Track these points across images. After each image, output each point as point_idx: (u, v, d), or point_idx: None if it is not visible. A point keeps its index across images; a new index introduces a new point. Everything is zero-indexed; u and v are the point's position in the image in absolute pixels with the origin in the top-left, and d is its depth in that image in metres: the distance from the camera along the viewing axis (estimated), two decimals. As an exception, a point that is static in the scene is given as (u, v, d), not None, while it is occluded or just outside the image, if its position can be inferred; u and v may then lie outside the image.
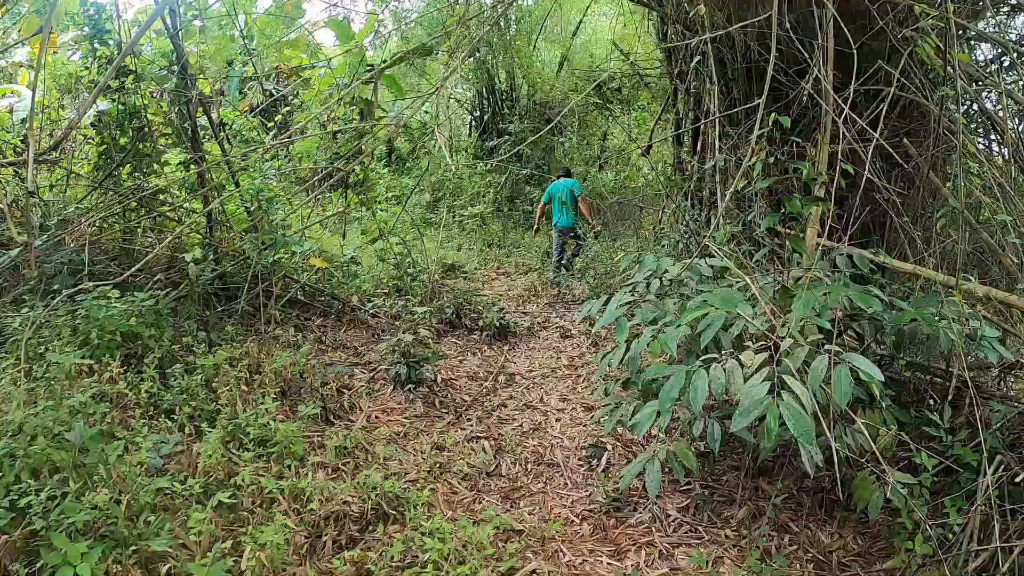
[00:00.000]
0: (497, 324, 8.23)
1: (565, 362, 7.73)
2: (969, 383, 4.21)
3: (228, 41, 13.67)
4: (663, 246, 9.44)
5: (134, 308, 5.77)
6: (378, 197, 9.59)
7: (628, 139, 18.91)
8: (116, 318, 5.62)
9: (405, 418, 5.86)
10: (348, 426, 5.58)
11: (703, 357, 3.97)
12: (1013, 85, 7.05)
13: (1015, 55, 7.12)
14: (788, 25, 5.36)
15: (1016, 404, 4.70)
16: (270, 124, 9.98)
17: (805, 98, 6.62)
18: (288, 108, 10.08)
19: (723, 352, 4.04)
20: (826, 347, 3.74)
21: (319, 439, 5.21)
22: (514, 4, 17.48)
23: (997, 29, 7.69)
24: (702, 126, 9.88)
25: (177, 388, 5.30)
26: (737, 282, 5.33)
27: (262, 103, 15.85)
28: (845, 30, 5.70)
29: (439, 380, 6.69)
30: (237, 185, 7.63)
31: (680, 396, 3.90)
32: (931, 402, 4.59)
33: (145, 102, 7.35)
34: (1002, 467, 3.86)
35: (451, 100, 19.58)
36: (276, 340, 6.74)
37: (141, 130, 7.19)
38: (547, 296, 10.23)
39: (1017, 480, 3.91)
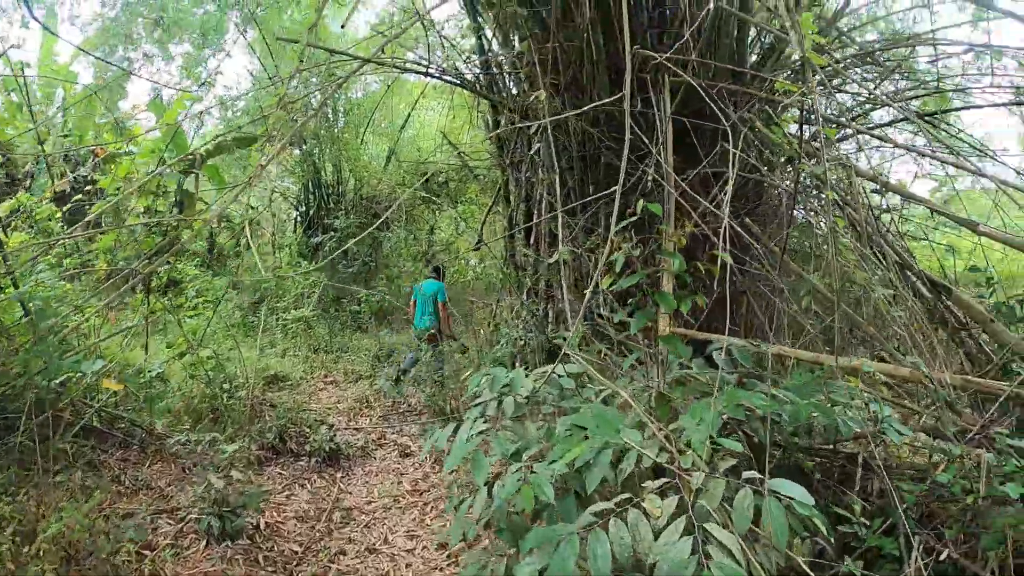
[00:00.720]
0: (327, 448, 7.24)
1: (408, 486, 6.86)
2: (880, 467, 3.87)
3: (14, 108, 12.15)
4: (503, 344, 8.85)
5: None
6: (186, 303, 8.47)
7: (456, 232, 18.62)
8: None
9: (221, 583, 4.80)
10: (148, 604, 4.46)
11: (593, 508, 3.27)
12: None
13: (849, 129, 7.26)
14: (627, 110, 5.01)
15: (912, 475, 4.35)
16: (57, 214, 8.58)
17: (649, 183, 6.34)
18: (79, 197, 8.73)
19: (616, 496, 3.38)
20: (746, 474, 3.16)
21: (109, 630, 4.08)
22: (343, 96, 16.91)
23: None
24: (535, 217, 9.58)
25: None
26: (601, 390, 4.78)
27: (69, 190, 14.27)
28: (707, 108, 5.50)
29: (262, 527, 5.66)
30: (16, 286, 6.35)
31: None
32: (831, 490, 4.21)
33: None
34: (921, 547, 3.52)
35: (275, 193, 18.54)
36: (59, 487, 5.50)
37: None
38: (380, 407, 9.32)
39: (941, 559, 3.57)
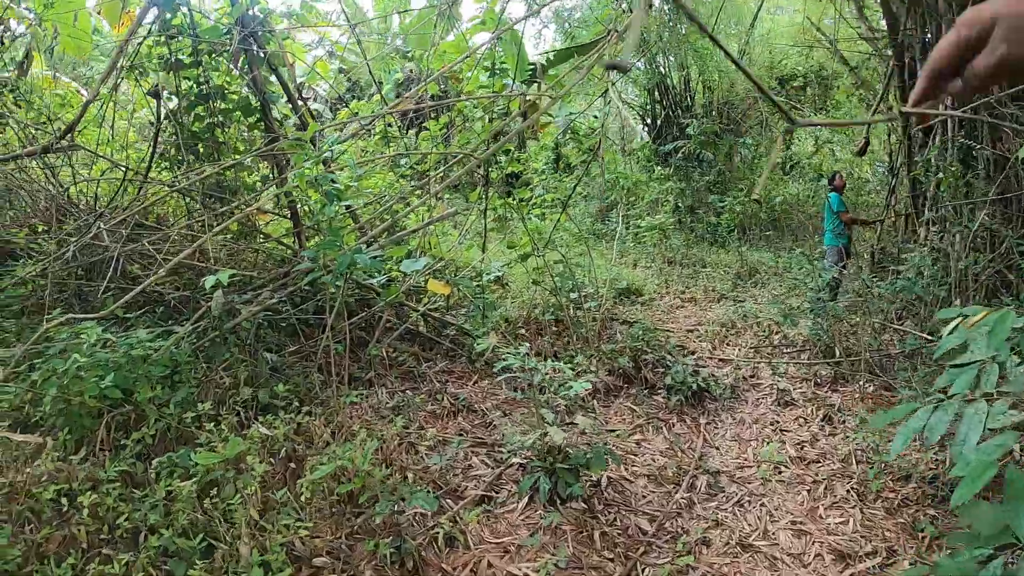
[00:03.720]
0: (694, 386, 5.33)
1: (791, 451, 4.78)
2: None
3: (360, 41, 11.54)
4: (906, 272, 6.35)
5: (136, 351, 3.45)
6: (532, 199, 6.94)
7: (816, 144, 15.69)
8: (95, 368, 3.32)
9: (536, 567, 3.13)
10: (435, 591, 2.94)
11: None
12: None
13: None
14: None
15: None
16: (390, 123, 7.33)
17: None
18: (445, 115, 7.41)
19: None
20: None
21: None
22: (687, -3, 14.49)
23: None
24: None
25: (150, 502, 2.90)
26: None
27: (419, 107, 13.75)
28: None
29: (603, 484, 3.94)
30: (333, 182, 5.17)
31: None
32: None
33: (225, 79, 5.21)
34: None
35: (621, 104, 16.69)
36: (360, 403, 4.24)
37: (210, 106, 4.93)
38: (753, 336, 7.16)
39: None
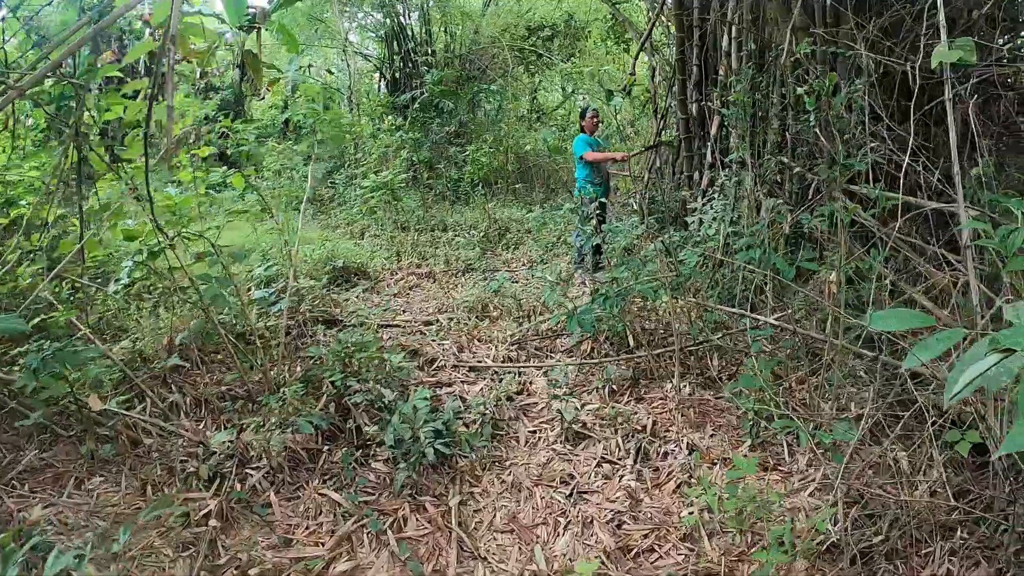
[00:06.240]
0: (433, 444, 3.05)
1: (607, 540, 2.74)
2: None
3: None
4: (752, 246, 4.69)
5: None
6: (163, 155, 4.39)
7: (564, 92, 14.52)
8: None
9: None
10: None
11: None
12: None
13: None
14: None
15: None
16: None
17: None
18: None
19: None
20: None
21: None
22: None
23: None
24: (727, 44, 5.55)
25: None
26: None
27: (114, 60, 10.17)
28: None
29: None
30: None
31: None
32: None
33: None
34: None
35: (355, 56, 14.21)
36: None
37: None
38: (515, 323, 5.06)
39: None
